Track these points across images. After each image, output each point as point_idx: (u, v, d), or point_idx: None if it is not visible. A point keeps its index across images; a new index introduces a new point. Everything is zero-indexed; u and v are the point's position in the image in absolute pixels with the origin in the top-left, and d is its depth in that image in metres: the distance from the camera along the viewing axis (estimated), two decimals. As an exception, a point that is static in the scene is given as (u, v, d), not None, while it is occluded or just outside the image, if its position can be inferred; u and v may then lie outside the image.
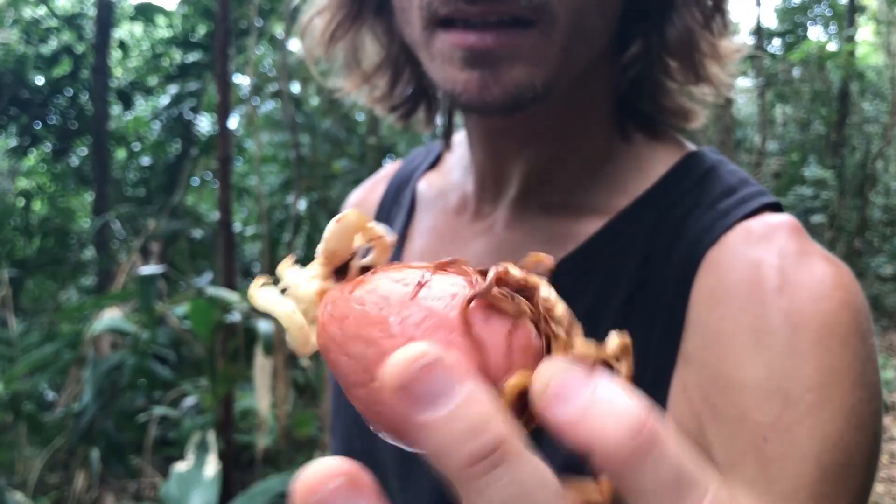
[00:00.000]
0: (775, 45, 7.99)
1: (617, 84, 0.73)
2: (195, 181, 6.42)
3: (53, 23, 6.03)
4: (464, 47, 0.60)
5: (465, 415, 0.25)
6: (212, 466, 2.76)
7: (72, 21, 5.98)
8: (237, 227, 6.16)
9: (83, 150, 6.55)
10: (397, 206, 0.89)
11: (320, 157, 5.67)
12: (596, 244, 0.69)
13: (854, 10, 7.30)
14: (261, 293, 0.33)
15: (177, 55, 6.34)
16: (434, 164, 0.91)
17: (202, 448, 2.87)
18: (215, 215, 6.42)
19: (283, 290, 0.33)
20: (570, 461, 0.54)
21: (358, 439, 0.79)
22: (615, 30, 0.69)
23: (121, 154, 6.43)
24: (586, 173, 0.73)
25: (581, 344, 0.30)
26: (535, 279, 0.31)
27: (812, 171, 6.62)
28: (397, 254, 0.84)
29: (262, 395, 2.62)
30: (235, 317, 2.87)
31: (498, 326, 0.29)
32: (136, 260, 4.71)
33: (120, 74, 6.73)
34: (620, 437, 0.26)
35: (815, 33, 8.11)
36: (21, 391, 3.96)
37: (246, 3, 5.02)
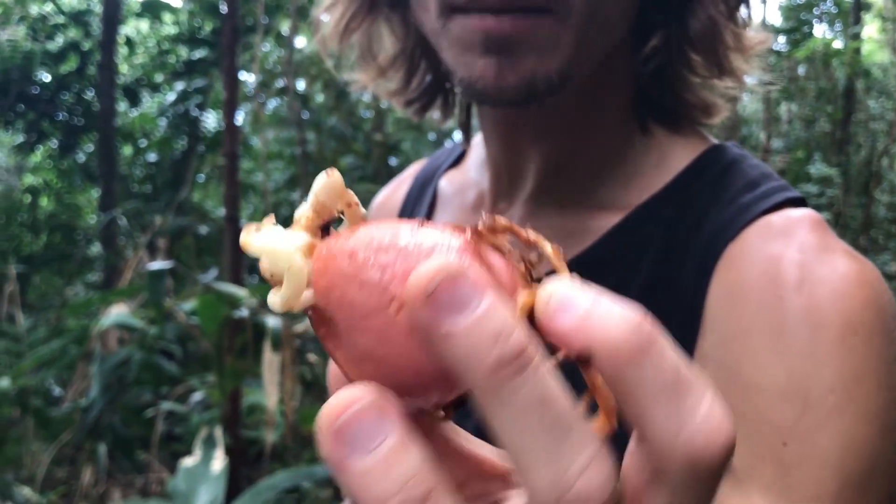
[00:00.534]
0: (780, 42, 7.97)
1: (636, 77, 0.71)
2: (201, 178, 6.44)
3: (60, 19, 6.04)
4: (482, 31, 0.60)
5: (491, 321, 0.26)
6: (219, 462, 2.77)
7: (78, 18, 5.99)
8: (242, 223, 6.16)
9: (89, 147, 6.56)
10: (420, 203, 0.89)
11: (326, 154, 5.67)
12: (612, 240, 0.68)
13: (860, 7, 7.28)
14: (256, 235, 0.32)
15: (183, 52, 6.35)
16: (456, 162, 0.90)
17: (209, 443, 2.88)
18: (221, 212, 6.43)
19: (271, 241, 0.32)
20: None
21: None
22: (634, 21, 0.67)
23: (127, 150, 6.44)
24: (603, 167, 0.72)
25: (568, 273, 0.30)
26: (518, 227, 0.31)
27: (817, 168, 6.60)
28: None
29: (270, 391, 2.63)
30: (243, 312, 2.88)
31: (496, 256, 0.30)
32: (143, 256, 4.73)
33: (126, 71, 6.74)
34: (621, 334, 0.26)
35: (821, 31, 8.10)
36: (28, 386, 3.97)
37: (253, 0, 5.03)
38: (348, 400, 0.27)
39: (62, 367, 4.15)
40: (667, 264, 0.65)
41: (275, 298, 0.31)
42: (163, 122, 6.40)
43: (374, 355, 0.29)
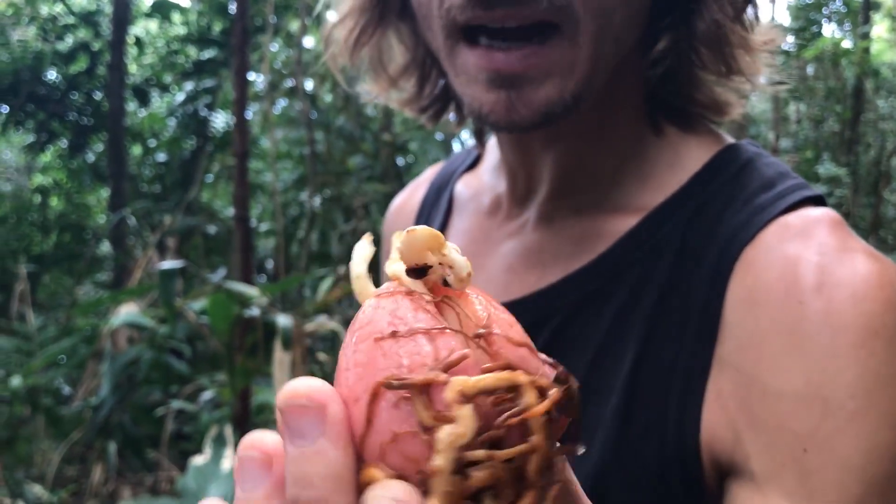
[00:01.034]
0: (789, 42, 7.96)
1: (646, 79, 0.71)
2: (209, 177, 6.45)
3: (70, 20, 6.06)
4: (490, 69, 0.59)
5: (303, 462, 0.28)
6: (229, 460, 2.79)
7: (88, 18, 6.01)
8: (252, 222, 6.18)
9: (99, 147, 6.59)
10: (436, 208, 0.89)
11: (335, 154, 5.68)
12: (628, 243, 0.67)
13: (869, 7, 7.26)
14: (358, 252, 0.35)
15: (192, 52, 6.37)
16: (472, 165, 0.90)
17: (219, 442, 2.90)
18: (230, 211, 6.45)
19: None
20: None
21: None
22: (643, 26, 0.67)
23: (136, 150, 6.46)
24: (618, 170, 0.71)
25: None
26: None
27: (826, 168, 6.58)
28: None
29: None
30: (254, 311, 2.89)
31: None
32: (153, 255, 4.75)
33: (136, 71, 6.77)
34: None
35: (830, 31, 8.07)
36: (39, 385, 3.99)
37: (262, 0, 5.04)
38: (252, 444, 0.30)
39: (72, 366, 4.17)
40: (683, 268, 0.64)
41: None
42: (172, 122, 6.42)
43: None
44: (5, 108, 6.21)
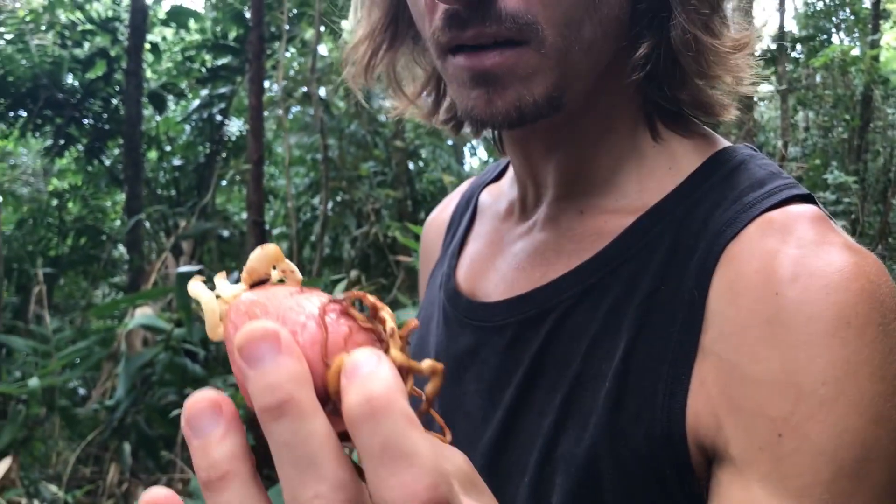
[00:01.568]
0: (798, 50, 7.98)
1: (638, 84, 0.74)
2: (223, 182, 6.52)
3: (88, 26, 6.13)
4: (467, 69, 0.66)
5: (267, 376, 0.34)
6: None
7: (106, 25, 6.09)
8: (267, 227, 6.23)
9: (115, 151, 6.66)
10: (464, 217, 0.95)
11: (347, 160, 5.75)
12: (624, 241, 0.71)
13: (878, 15, 7.29)
14: (194, 285, 0.43)
15: (207, 58, 6.44)
16: (498, 177, 0.96)
17: (233, 443, 2.95)
18: (243, 215, 6.52)
19: (214, 292, 0.43)
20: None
21: None
22: (623, 34, 0.71)
23: (152, 155, 6.53)
24: (617, 173, 0.75)
25: (396, 353, 0.38)
26: (381, 304, 0.40)
27: (834, 176, 6.59)
28: (454, 258, 0.89)
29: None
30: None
31: (343, 326, 0.38)
32: (168, 259, 4.81)
33: (152, 77, 6.83)
34: (353, 401, 0.33)
35: (838, 39, 8.09)
36: (55, 386, 4.03)
37: (276, 8, 5.11)
38: (200, 399, 0.37)
39: (87, 367, 4.21)
40: (674, 263, 0.67)
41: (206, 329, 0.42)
42: (187, 128, 6.49)
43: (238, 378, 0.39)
44: (24, 113, 6.29)
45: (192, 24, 6.76)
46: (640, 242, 0.70)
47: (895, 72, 8.21)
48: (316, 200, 6.43)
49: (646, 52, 0.70)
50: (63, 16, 6.47)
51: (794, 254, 0.60)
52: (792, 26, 8.38)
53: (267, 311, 0.39)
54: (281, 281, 0.42)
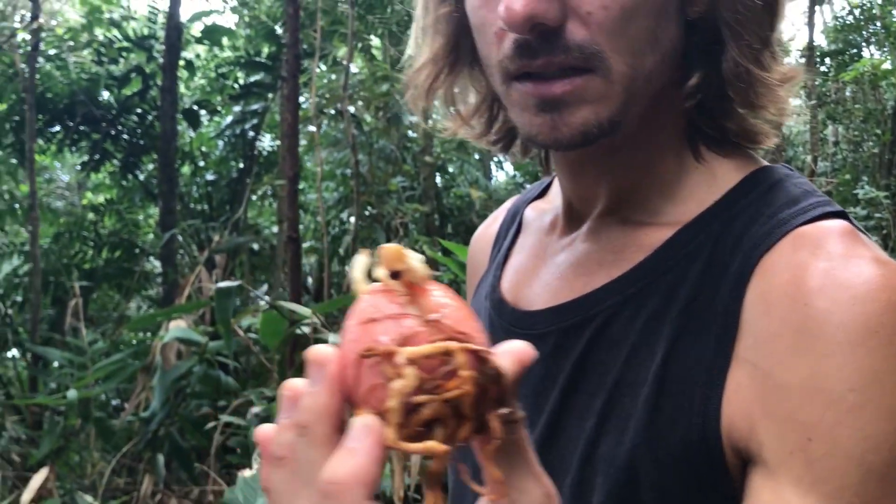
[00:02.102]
0: (827, 64, 7.94)
1: (685, 110, 0.78)
2: (256, 197, 6.61)
3: (125, 44, 6.25)
4: (535, 96, 0.70)
5: (306, 395, 0.45)
6: (276, 473, 2.87)
7: (142, 43, 6.20)
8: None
9: (150, 166, 6.76)
10: (509, 231, 0.99)
11: (377, 175, 5.80)
12: (663, 253, 0.75)
13: (910, 29, 7.23)
14: (356, 265, 0.49)
15: (240, 75, 6.54)
16: (542, 193, 1.00)
17: (268, 456, 2.99)
18: (274, 229, 6.58)
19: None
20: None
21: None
22: (678, 63, 0.75)
23: (186, 170, 6.63)
24: (660, 190, 0.79)
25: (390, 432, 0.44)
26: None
27: (865, 191, 6.54)
28: (500, 270, 0.94)
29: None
30: (306, 329, 2.99)
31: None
32: (201, 272, 4.88)
33: (186, 92, 6.94)
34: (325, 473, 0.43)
35: (868, 52, 8.03)
36: (90, 397, 4.09)
37: (309, 26, 5.18)
38: (319, 351, 0.46)
39: (122, 379, 4.27)
40: (710, 275, 0.71)
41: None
42: (220, 143, 6.59)
43: None
44: (61, 128, 6.41)
45: (225, 41, 6.88)
46: (679, 255, 0.74)
47: (927, 86, 8.11)
48: (344, 215, 6.49)
49: (697, 81, 0.75)
50: (100, 34, 6.59)
51: (823, 266, 0.63)
52: (821, 40, 8.35)
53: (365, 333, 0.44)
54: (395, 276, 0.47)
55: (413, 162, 6.48)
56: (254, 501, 2.89)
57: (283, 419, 0.47)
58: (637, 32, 0.69)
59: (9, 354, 5.72)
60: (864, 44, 7.92)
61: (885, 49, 7.88)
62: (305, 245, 6.66)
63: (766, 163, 0.80)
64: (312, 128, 5.67)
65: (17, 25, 6.32)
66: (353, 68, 5.71)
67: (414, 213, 6.04)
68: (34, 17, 5.39)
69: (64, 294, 5.68)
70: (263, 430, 0.48)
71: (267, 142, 6.71)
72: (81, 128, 6.26)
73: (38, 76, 5.76)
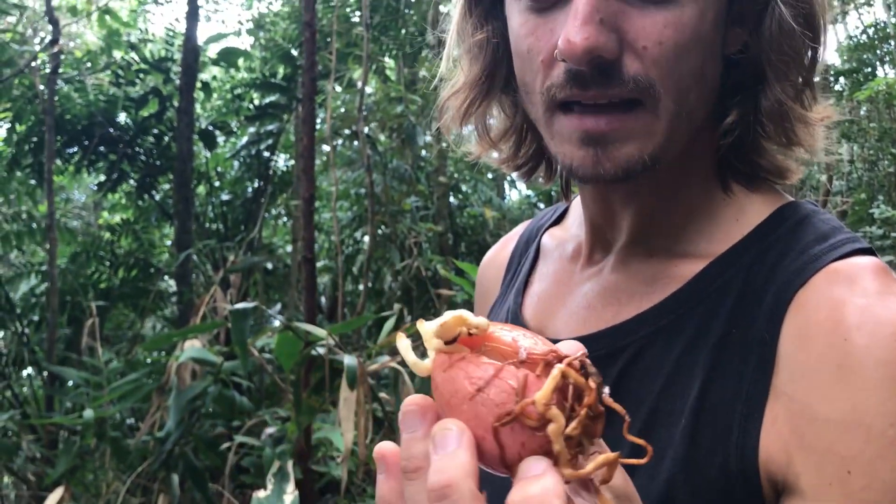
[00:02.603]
0: (841, 83, 7.92)
1: (717, 146, 0.80)
2: (267, 216, 6.64)
3: (142, 66, 6.32)
4: (580, 130, 0.70)
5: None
6: (290, 495, 2.87)
7: (159, 65, 6.27)
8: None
9: (166, 186, 6.81)
10: (525, 257, 1.00)
11: (392, 195, 5.83)
12: (696, 285, 0.76)
13: (925, 48, 7.20)
14: (401, 343, 0.51)
15: (256, 96, 6.60)
16: (558, 221, 1.01)
17: (282, 477, 2.99)
18: (288, 248, 6.62)
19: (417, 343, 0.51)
20: None
21: None
22: (716, 99, 0.77)
23: (201, 190, 6.68)
24: (688, 222, 0.81)
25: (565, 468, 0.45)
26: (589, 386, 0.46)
27: (880, 210, 6.50)
28: (520, 296, 0.94)
29: (347, 427, 2.73)
30: (321, 351, 2.99)
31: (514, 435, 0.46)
32: (217, 292, 4.90)
33: (202, 113, 7.01)
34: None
35: (883, 71, 8.01)
36: (106, 417, 4.11)
37: (324, 48, 5.23)
38: (414, 402, 0.48)
39: (138, 399, 4.29)
40: (744, 307, 0.72)
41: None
42: (235, 164, 6.63)
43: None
44: (78, 150, 6.47)
45: (241, 63, 6.94)
46: (711, 287, 0.75)
47: (942, 105, 8.07)
48: (358, 234, 6.52)
49: (734, 119, 0.76)
50: (119, 56, 6.67)
51: (860, 303, 0.65)
52: (835, 59, 8.34)
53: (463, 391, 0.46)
54: (470, 334, 0.49)
55: (427, 182, 6.51)
56: (268, 521, 2.89)
57: (410, 434, 0.48)
58: (687, 69, 0.71)
59: (25, 373, 5.75)
60: (878, 63, 7.89)
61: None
62: (319, 264, 6.69)
63: (791, 198, 0.81)
64: (327, 148, 5.71)
65: (36, 48, 6.40)
66: (368, 89, 5.76)
67: (427, 233, 6.06)
68: (54, 41, 5.46)
69: (80, 313, 5.72)
70: (385, 445, 0.50)
71: (282, 161, 6.76)
72: (99, 148, 6.32)
73: (56, 98, 5.82)
